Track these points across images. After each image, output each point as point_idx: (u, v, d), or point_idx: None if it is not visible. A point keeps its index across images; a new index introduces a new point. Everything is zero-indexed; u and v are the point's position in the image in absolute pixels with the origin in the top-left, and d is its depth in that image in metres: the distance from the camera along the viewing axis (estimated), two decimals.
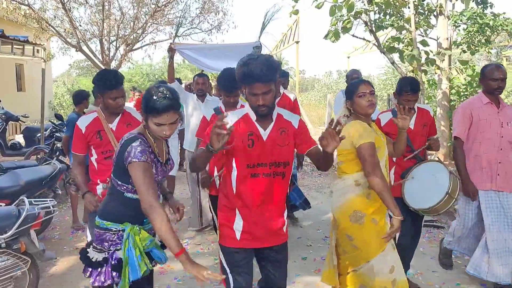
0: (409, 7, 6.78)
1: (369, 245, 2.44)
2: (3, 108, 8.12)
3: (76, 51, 11.98)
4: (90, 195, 2.67)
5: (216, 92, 6.30)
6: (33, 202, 3.02)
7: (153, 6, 12.36)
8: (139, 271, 1.95)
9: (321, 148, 1.99)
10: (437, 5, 7.41)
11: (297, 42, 11.56)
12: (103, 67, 11.76)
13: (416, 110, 3.14)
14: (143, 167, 1.92)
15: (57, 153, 5.93)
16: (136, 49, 13.44)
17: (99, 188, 2.71)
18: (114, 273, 2.00)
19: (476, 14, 7.41)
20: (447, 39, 7.56)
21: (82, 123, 2.72)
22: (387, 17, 7.22)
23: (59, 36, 12.00)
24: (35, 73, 13.90)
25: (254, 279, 2.28)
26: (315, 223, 4.78)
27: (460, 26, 7.73)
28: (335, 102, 5.67)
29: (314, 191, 6.42)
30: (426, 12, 7.44)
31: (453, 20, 7.55)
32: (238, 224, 2.14)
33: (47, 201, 3.12)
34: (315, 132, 9.18)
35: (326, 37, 6.81)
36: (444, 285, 3.37)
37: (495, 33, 8.02)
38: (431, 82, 8.44)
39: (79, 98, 4.78)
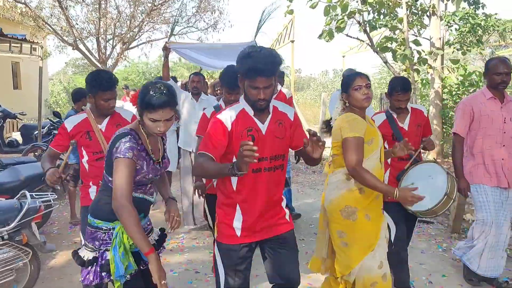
0: (402, 8, 6.89)
1: (360, 242, 2.41)
2: (0, 105, 8.16)
3: (73, 49, 12.02)
4: (52, 171, 2.47)
5: (211, 91, 6.36)
6: (34, 196, 3.11)
7: (149, 4, 12.41)
8: (121, 269, 1.92)
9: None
10: (430, 5, 7.52)
11: (292, 42, 11.66)
12: (99, 66, 11.81)
13: (410, 110, 3.06)
14: (125, 164, 1.89)
15: None
16: (132, 48, 13.50)
17: (92, 192, 2.61)
18: (104, 273, 1.97)
19: (468, 14, 7.53)
20: (440, 39, 7.68)
21: (70, 122, 2.66)
22: (381, 16, 7.32)
23: (55, 34, 12.04)
24: (31, 71, 13.92)
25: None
26: (307, 219, 4.88)
27: (452, 26, 7.86)
28: (331, 101, 5.69)
29: (308, 188, 6.54)
30: (420, 12, 7.55)
31: (445, 20, 7.67)
32: (238, 220, 2.08)
33: (47, 195, 3.22)
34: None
35: (320, 36, 6.90)
36: (430, 277, 3.48)
37: (487, 33, 8.17)
38: (424, 82, 8.57)
39: (78, 96, 4.86)
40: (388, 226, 2.87)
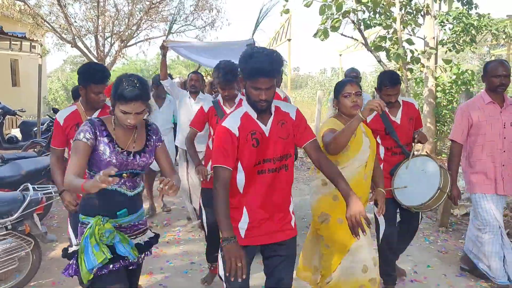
0: (396, 7, 7.01)
1: (336, 245, 2.43)
2: (0, 102, 8.26)
3: (72, 47, 12.11)
4: (68, 194, 2.51)
5: (208, 89, 6.46)
6: (36, 188, 3.24)
7: (147, 3, 12.51)
8: (94, 260, 1.91)
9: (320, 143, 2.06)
10: (424, 5, 7.64)
11: (289, 40, 11.76)
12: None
13: (402, 103, 3.02)
14: (74, 145, 1.95)
15: None
16: (130, 46, 13.61)
17: None
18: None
19: (461, 14, 7.66)
20: (434, 38, 7.80)
21: (61, 116, 2.64)
22: (377, 15, 7.42)
23: (54, 32, 12.13)
24: (30, 69, 14.00)
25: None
26: (300, 214, 5.00)
27: (446, 25, 7.99)
28: (330, 101, 5.74)
29: (302, 184, 6.68)
30: (414, 12, 7.65)
31: (439, 19, 7.80)
32: (244, 222, 2.06)
33: (49, 187, 3.34)
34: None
35: (315, 35, 7.01)
36: (416, 267, 3.60)
37: (480, 33, 8.30)
38: (418, 80, 8.70)
39: (78, 93, 4.94)
40: (378, 223, 2.94)
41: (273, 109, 2.08)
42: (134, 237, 2.16)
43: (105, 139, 2.00)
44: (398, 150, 2.96)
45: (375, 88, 3.07)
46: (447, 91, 7.93)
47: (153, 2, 12.46)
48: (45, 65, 17.76)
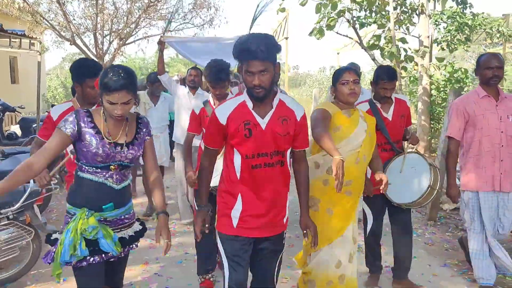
0: (390, 6, 7.11)
1: (321, 234, 2.38)
2: (0, 99, 8.35)
3: (70, 44, 12.21)
4: (43, 173, 2.44)
5: (205, 86, 6.54)
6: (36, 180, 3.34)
7: (146, 1, 12.61)
8: (66, 255, 1.91)
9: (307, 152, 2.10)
10: (419, 4, 7.74)
11: (287, 38, 11.87)
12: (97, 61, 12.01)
13: (394, 100, 3.02)
14: (55, 132, 1.97)
15: None
16: (129, 43, 13.72)
17: None
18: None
19: (456, 13, 7.76)
20: (428, 37, 7.91)
21: (55, 111, 2.64)
22: (373, 14, 7.52)
23: (53, 30, 12.22)
24: (28, 66, 14.06)
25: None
26: (292, 206, 5.09)
27: (440, 24, 8.10)
28: (329, 89, 5.79)
29: (293, 178, 6.80)
30: (410, 11, 7.75)
31: (434, 19, 7.91)
32: (237, 211, 2.05)
33: None
34: None
35: (311, 34, 7.13)
36: None
37: (475, 32, 8.41)
38: (412, 79, 8.82)
39: None
40: (366, 217, 2.92)
41: (276, 102, 2.02)
42: (118, 230, 2.11)
43: (91, 130, 1.99)
44: (387, 147, 2.96)
45: (370, 82, 3.07)
46: (441, 89, 8.04)
47: (152, 0, 12.55)
48: (44, 63, 17.84)
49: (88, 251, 1.95)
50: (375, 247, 3.14)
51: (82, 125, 1.98)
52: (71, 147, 2.15)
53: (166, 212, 2.11)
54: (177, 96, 4.69)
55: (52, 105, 7.13)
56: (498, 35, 8.80)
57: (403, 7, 7.64)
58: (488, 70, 2.92)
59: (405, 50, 7.10)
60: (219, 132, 2.04)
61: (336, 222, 2.47)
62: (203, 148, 3.04)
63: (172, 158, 5.50)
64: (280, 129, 2.01)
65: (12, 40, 6.94)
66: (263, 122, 1.99)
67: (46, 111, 8.15)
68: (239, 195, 2.05)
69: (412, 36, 7.94)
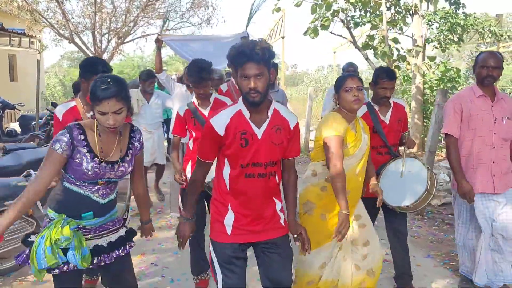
0: (383, 6, 7.25)
1: (312, 239, 2.34)
2: (0, 97, 8.47)
3: (69, 42, 12.31)
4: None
5: None
6: None
7: (144, 0, 12.71)
8: (44, 263, 1.87)
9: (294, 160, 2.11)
10: (413, 4, 7.88)
11: (283, 38, 12.02)
12: None
13: (392, 104, 2.98)
14: (48, 154, 1.91)
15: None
16: (127, 42, 13.82)
17: None
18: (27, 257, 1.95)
19: (448, 14, 7.91)
20: (421, 37, 8.05)
21: (59, 111, 2.65)
22: (368, 14, 7.65)
23: (51, 28, 12.32)
24: (27, 64, 14.18)
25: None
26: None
27: (433, 24, 8.25)
28: (326, 97, 5.74)
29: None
30: (403, 11, 7.89)
31: (427, 19, 8.06)
32: (229, 219, 2.03)
33: None
34: (300, 123, 9.65)
35: (305, 33, 7.26)
36: (388, 250, 3.75)
37: (467, 32, 8.57)
38: (405, 78, 8.97)
39: (78, 87, 5.14)
40: None
41: (271, 111, 2.01)
42: (100, 236, 2.08)
43: (83, 149, 1.93)
44: (383, 150, 2.94)
45: (369, 83, 3.04)
46: (434, 88, 8.20)
47: None
48: (42, 61, 17.94)
49: (61, 260, 1.92)
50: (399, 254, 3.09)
51: (75, 143, 1.93)
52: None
53: (150, 220, 2.42)
54: (175, 94, 4.74)
55: (52, 103, 7.27)
56: (489, 34, 8.95)
57: (397, 7, 7.79)
58: (483, 69, 2.82)
59: (397, 49, 7.24)
60: (216, 143, 1.99)
61: (329, 228, 2.46)
62: (190, 147, 3.11)
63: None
64: (275, 139, 2.00)
65: (12, 38, 7.06)
66: (259, 132, 1.98)
67: (46, 109, 8.27)
68: (229, 205, 2.04)
69: (406, 35, 8.08)
